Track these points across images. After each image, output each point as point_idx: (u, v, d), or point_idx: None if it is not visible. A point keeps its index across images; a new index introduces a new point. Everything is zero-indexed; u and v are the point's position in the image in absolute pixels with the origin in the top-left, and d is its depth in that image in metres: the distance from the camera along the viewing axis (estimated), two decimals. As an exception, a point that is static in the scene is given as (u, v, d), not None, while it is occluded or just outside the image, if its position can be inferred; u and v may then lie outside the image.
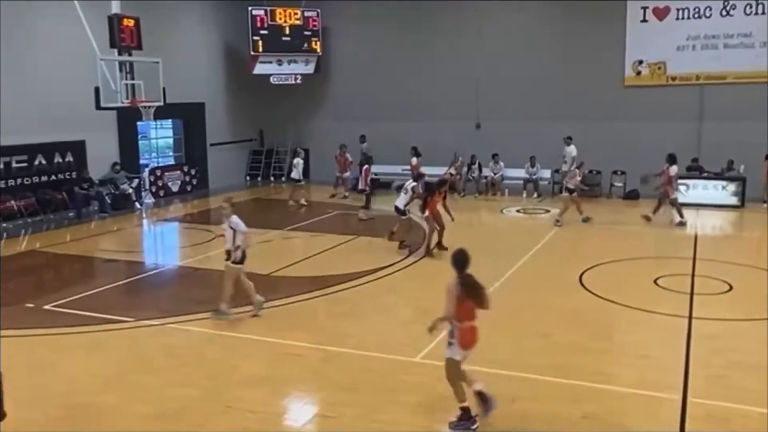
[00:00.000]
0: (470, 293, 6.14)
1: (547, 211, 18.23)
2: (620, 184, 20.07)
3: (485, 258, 12.98)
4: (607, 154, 19.65)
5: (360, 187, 17.21)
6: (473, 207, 19.68)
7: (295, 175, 19.16)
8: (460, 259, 6.27)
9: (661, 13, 19.82)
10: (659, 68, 20.01)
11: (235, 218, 9.08)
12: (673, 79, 19.92)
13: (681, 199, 16.33)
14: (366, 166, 17.18)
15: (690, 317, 9.18)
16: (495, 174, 20.80)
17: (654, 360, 7.78)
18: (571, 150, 19.61)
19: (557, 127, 19.81)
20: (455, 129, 21.54)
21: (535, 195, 20.14)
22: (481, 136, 21.64)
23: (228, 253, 9.12)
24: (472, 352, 6.30)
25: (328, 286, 10.96)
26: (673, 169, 15.64)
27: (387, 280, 11.48)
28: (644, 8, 19.89)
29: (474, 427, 6.12)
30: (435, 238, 13.15)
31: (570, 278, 11.17)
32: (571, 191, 15.97)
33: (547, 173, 20.46)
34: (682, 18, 19.65)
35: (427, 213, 12.96)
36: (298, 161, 19.38)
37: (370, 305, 10.17)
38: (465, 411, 6.18)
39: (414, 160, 19.05)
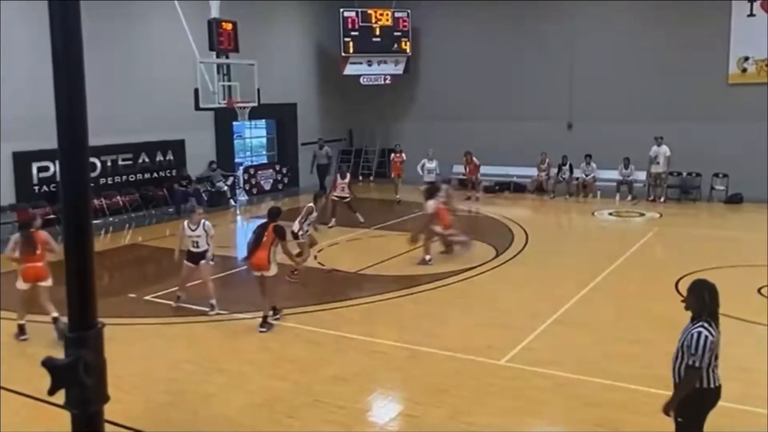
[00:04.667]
0: (24, 243, 8.56)
1: (642, 214, 17.59)
2: (722, 188, 19.10)
3: (576, 260, 12.81)
4: (709, 155, 18.76)
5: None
6: (564, 209, 19.26)
7: None
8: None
9: (770, 7, 18.71)
10: (767, 65, 18.90)
11: (208, 222, 10.05)
12: (783, 76, 18.76)
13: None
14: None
15: (798, 330, 8.64)
16: (587, 175, 20.24)
17: (758, 374, 7.36)
18: (665, 150, 18.87)
19: (653, 127, 19.08)
20: (546, 129, 21.10)
21: (629, 197, 19.47)
22: (573, 136, 21.12)
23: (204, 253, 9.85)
24: (31, 285, 8.59)
25: (414, 285, 11.00)
26: None
27: (473, 281, 11.40)
28: (751, 1, 18.82)
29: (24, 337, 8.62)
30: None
31: (666, 284, 10.73)
32: None
33: (642, 175, 19.69)
34: (794, 11, 18.48)
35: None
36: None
37: (455, 306, 10.13)
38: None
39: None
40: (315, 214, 12.17)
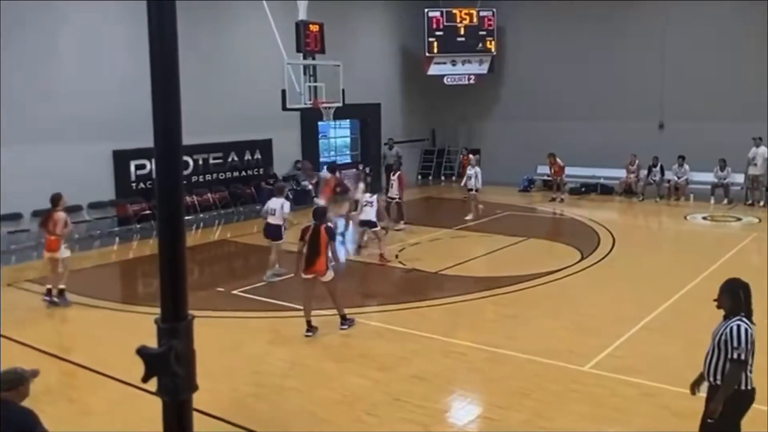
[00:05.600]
0: (44, 220, 10.39)
1: (739, 219, 16.72)
2: (828, 192, 17.90)
3: (666, 266, 12.31)
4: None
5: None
6: (654, 212, 18.57)
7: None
8: None
9: None
10: None
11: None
12: None
13: None
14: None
15: None
16: (679, 178, 19.42)
17: None
18: (763, 151, 17.87)
19: (752, 127, 18.07)
20: (636, 129, 20.38)
21: (725, 201, 18.55)
22: (664, 136, 20.32)
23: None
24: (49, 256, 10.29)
25: (496, 287, 10.88)
26: None
27: (557, 284, 11.16)
28: None
29: None
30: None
31: (763, 294, 10.12)
32: None
33: (739, 178, 18.72)
34: None
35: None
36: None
37: (537, 309, 9.95)
38: None
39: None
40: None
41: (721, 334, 4.67)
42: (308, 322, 8.87)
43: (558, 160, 19.69)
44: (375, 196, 13.20)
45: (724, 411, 4.64)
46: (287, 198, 12.40)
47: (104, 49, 15.23)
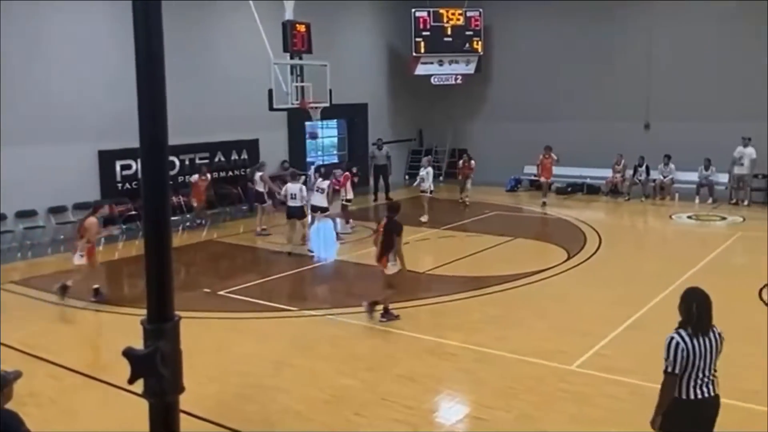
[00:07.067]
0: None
1: (723, 218, 16.87)
2: (812, 191, 18.09)
3: (652, 265, 12.40)
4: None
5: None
6: (639, 211, 18.69)
7: None
8: None
9: None
10: None
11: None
12: None
13: None
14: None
15: None
16: (664, 177, 19.56)
17: None
18: (751, 152, 18.03)
19: (737, 127, 18.22)
20: (622, 129, 20.51)
21: (710, 200, 18.70)
22: (650, 136, 20.46)
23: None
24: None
25: (484, 286, 10.90)
26: None
27: (544, 284, 11.20)
28: None
29: None
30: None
31: (747, 292, 10.25)
32: None
33: (723, 177, 18.89)
34: None
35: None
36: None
37: (526, 308, 9.98)
38: None
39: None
40: None
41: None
42: (386, 309, 9.16)
43: (552, 155, 19.12)
44: (327, 182, 14.46)
45: (667, 422, 4.67)
46: (304, 183, 14.11)
47: (89, 48, 15.11)
